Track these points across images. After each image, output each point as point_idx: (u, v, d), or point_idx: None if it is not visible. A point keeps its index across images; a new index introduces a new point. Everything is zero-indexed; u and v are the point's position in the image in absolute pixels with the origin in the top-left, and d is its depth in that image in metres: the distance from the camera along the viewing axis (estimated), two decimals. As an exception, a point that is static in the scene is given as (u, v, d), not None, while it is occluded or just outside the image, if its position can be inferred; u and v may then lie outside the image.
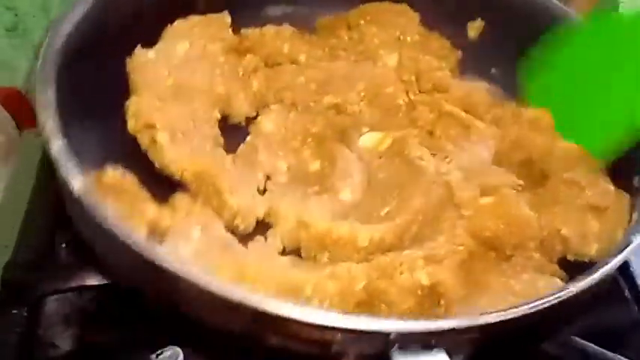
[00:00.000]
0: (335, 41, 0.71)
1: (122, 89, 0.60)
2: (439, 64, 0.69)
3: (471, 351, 0.45)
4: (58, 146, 0.45)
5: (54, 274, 0.55)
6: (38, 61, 0.51)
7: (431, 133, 0.65)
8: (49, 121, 0.47)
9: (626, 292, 0.57)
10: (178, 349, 0.49)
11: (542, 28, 0.67)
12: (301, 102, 0.65)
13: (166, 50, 0.63)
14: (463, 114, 0.65)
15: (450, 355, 0.42)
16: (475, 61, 0.72)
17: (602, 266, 0.46)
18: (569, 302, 0.45)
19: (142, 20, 0.62)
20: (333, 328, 0.41)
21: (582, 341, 0.47)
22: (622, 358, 0.45)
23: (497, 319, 0.42)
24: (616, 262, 0.47)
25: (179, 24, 0.65)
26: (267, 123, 0.63)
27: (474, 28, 0.73)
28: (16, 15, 0.79)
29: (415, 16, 0.72)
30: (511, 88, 0.69)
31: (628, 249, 0.49)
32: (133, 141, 0.58)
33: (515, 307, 0.43)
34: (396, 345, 0.41)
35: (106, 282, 0.51)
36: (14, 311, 0.55)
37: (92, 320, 0.54)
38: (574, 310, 0.49)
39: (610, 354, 0.46)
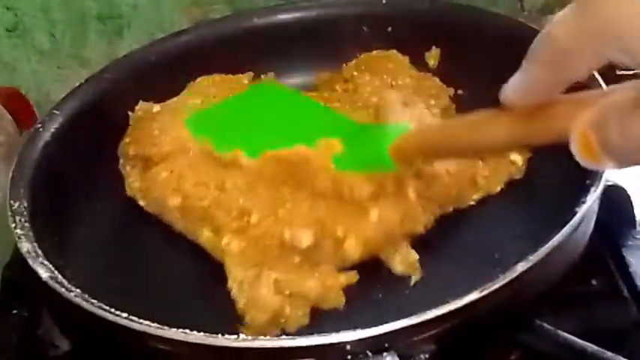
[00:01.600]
0: (328, 94, 0.71)
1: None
2: (430, 111, 0.66)
3: (437, 347, 0.44)
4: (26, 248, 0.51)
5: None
6: (9, 175, 0.57)
7: None
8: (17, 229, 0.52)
9: (625, 292, 0.57)
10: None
11: (495, 40, 0.68)
12: None
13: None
14: None
15: (403, 357, 0.42)
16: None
17: (548, 242, 0.46)
18: (524, 282, 0.45)
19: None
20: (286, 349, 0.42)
21: (581, 341, 0.47)
22: (622, 358, 0.45)
23: (439, 313, 0.42)
24: (565, 232, 0.47)
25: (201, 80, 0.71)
26: None
27: (432, 57, 0.73)
28: (16, 15, 0.79)
29: (404, 60, 0.72)
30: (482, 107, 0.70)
31: (576, 217, 0.48)
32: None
33: (456, 299, 0.43)
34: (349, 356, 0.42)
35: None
36: (14, 311, 0.56)
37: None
38: (538, 292, 0.48)
39: (609, 353, 0.46)
